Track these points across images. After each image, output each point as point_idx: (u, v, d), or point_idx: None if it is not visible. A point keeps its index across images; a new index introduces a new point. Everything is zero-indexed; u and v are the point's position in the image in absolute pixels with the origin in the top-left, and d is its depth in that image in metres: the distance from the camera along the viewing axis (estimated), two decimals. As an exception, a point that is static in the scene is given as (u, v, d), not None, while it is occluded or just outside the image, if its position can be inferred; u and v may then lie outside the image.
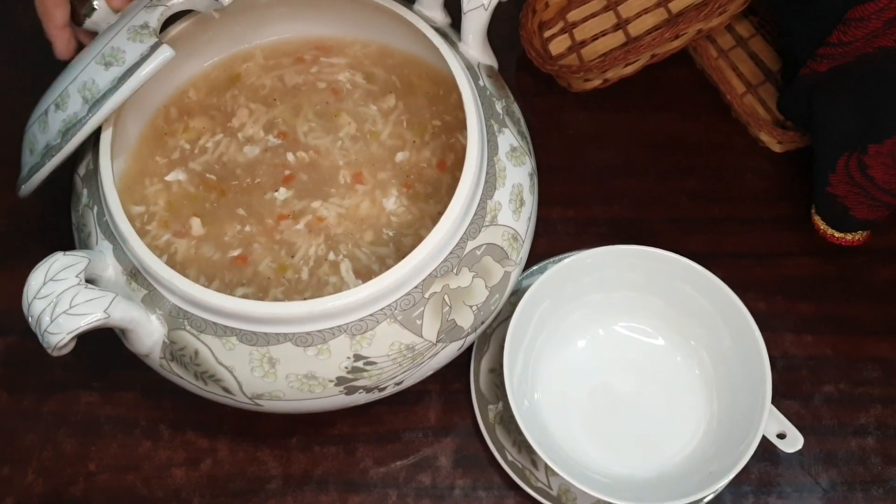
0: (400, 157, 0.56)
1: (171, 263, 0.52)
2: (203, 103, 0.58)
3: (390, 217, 0.54)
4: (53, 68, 0.52)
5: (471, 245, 0.49)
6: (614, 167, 0.67)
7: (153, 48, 0.48)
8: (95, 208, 0.50)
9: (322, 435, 0.57)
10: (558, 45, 0.69)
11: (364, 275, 0.52)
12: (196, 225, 0.54)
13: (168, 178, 0.56)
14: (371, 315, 0.47)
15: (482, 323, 0.51)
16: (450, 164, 0.56)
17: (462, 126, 0.56)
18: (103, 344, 0.54)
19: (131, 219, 0.54)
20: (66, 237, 0.54)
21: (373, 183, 0.55)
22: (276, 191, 0.55)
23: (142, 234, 0.54)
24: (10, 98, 0.60)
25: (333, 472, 0.56)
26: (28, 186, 0.51)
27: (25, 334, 0.47)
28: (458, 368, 0.58)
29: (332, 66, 0.60)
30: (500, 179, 0.51)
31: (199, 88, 0.59)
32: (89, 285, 0.45)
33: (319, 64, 0.60)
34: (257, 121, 0.57)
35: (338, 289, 0.51)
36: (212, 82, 0.59)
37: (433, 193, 0.55)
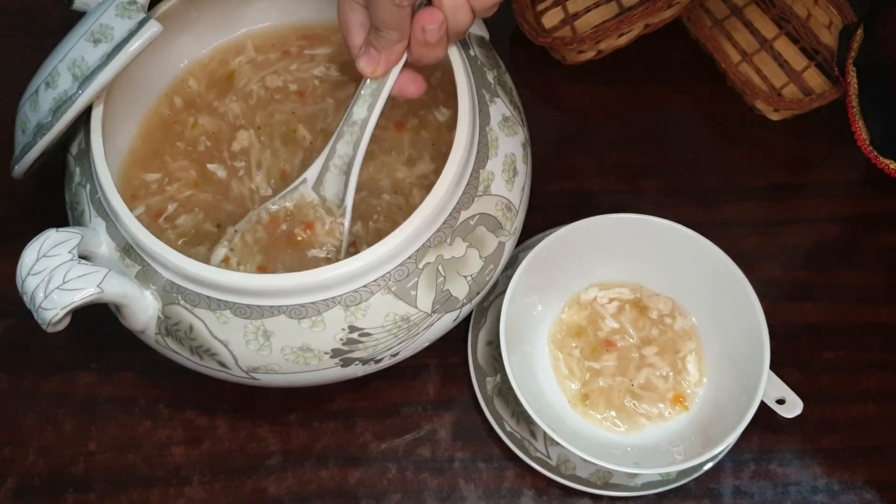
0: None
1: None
2: (205, 98, 0.59)
3: None
4: (47, 50, 0.52)
5: (464, 215, 0.49)
6: (609, 139, 0.66)
7: (141, 24, 0.47)
8: (88, 186, 0.50)
9: (321, 411, 0.57)
10: (551, 18, 0.68)
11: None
12: None
13: (210, 167, 0.56)
14: (365, 286, 0.47)
15: (477, 294, 0.51)
16: (411, 126, 0.56)
17: (439, 103, 0.56)
18: (101, 325, 0.54)
19: (143, 185, 0.55)
20: (62, 219, 0.54)
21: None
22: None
23: (158, 192, 0.55)
24: (5, 81, 0.59)
25: (333, 448, 0.56)
26: (21, 166, 0.52)
27: (24, 316, 0.47)
28: (455, 342, 0.58)
29: (311, 61, 0.60)
30: (492, 149, 0.50)
31: (198, 79, 0.59)
32: (82, 261, 0.45)
33: (301, 58, 0.60)
34: (252, 146, 0.58)
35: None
36: (210, 74, 0.59)
37: (391, 148, 0.55)
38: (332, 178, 0.52)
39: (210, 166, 0.56)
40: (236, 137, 0.57)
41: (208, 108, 0.58)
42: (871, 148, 0.61)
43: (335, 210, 0.51)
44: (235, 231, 0.52)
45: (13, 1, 0.72)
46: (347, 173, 0.51)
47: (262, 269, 0.51)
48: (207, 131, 0.58)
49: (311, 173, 0.52)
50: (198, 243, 0.54)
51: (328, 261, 0.51)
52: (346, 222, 0.51)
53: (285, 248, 0.51)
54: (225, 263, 0.51)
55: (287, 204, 0.52)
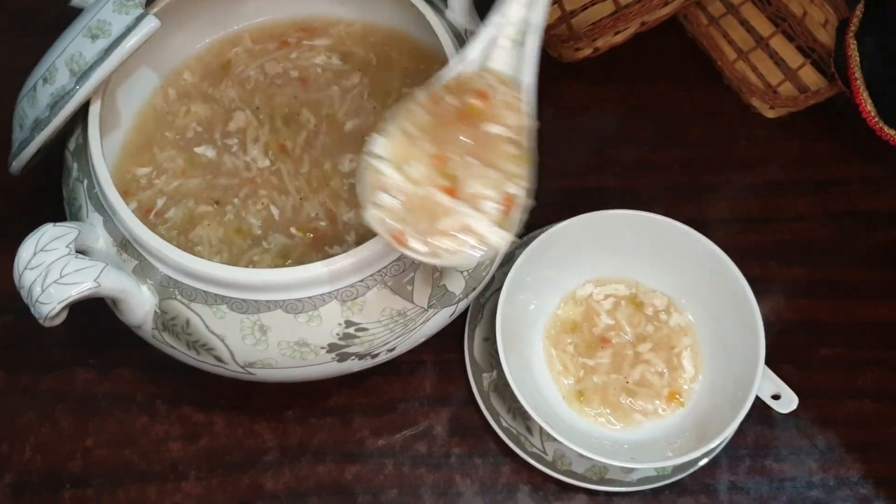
0: (350, 125, 0.54)
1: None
2: (199, 88, 0.58)
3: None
4: (45, 49, 0.52)
5: (461, 210, 0.48)
6: (606, 136, 0.67)
7: (139, 19, 0.48)
8: (85, 181, 0.50)
9: (318, 407, 0.57)
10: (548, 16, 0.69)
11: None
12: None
13: (197, 150, 0.56)
14: (361, 281, 0.47)
15: (473, 289, 0.51)
16: None
17: None
18: (99, 321, 0.54)
19: (134, 180, 0.55)
20: (60, 215, 0.54)
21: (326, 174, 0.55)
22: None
23: (147, 187, 0.54)
24: (2, 80, 0.60)
25: (330, 444, 0.56)
26: (18, 162, 0.52)
27: (22, 314, 0.47)
28: (452, 338, 0.58)
29: (311, 50, 0.60)
30: (489, 145, 0.50)
31: (193, 71, 0.59)
32: (79, 255, 0.45)
33: (300, 48, 0.60)
34: (249, 125, 0.57)
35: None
36: (205, 66, 0.59)
37: None
38: (504, 53, 0.41)
39: (197, 149, 0.56)
40: (232, 118, 0.57)
41: (202, 96, 0.58)
42: (875, 119, 0.61)
43: (511, 85, 0.41)
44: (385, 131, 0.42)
45: (12, 1, 0.72)
46: (522, 44, 0.41)
47: (437, 161, 0.42)
48: (200, 117, 0.57)
49: (472, 52, 0.42)
50: (191, 229, 0.53)
51: (508, 141, 0.41)
52: (526, 106, 0.41)
53: (457, 126, 0.41)
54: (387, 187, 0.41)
55: (445, 81, 0.42)
